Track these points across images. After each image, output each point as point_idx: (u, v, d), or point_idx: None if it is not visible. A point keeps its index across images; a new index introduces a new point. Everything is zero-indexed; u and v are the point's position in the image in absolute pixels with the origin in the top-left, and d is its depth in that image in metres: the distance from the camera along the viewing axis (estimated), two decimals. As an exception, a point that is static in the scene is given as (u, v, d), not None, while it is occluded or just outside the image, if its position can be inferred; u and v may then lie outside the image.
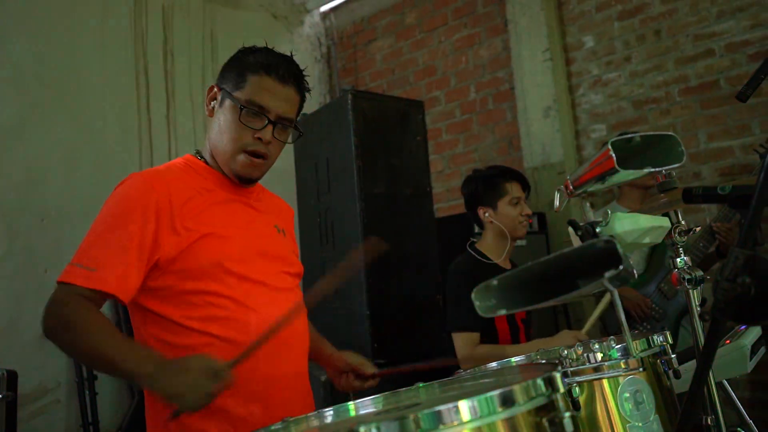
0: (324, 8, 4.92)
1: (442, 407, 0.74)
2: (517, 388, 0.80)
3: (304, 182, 3.11)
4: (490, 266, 2.37)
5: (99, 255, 1.27)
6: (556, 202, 1.31)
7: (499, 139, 4.08)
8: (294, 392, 1.41)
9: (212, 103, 1.47)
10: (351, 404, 1.12)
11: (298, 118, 1.49)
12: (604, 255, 0.87)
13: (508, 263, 2.46)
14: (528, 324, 2.39)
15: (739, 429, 1.50)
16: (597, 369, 1.20)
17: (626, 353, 1.20)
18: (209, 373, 1.16)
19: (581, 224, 1.15)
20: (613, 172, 1.14)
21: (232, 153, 1.41)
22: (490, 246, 2.43)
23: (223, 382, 1.17)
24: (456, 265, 2.40)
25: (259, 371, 1.33)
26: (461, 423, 0.75)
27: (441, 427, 0.74)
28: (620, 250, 0.86)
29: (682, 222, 1.23)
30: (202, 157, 1.50)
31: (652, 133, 1.23)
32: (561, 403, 0.85)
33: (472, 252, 2.42)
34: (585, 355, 1.19)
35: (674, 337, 2.55)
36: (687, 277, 1.19)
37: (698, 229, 1.26)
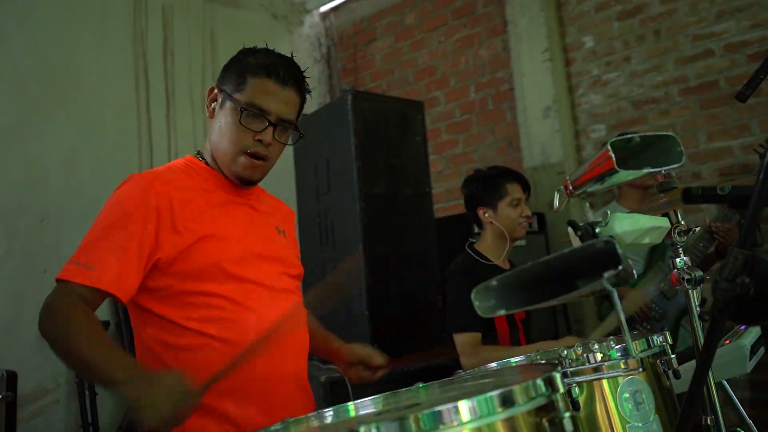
0: (324, 8, 4.92)
1: (442, 407, 0.74)
2: (516, 389, 0.80)
3: (304, 183, 3.11)
4: (489, 267, 2.37)
5: (98, 254, 1.27)
6: (556, 203, 1.31)
7: (498, 140, 4.09)
8: (293, 393, 1.41)
9: (212, 104, 1.47)
10: (351, 404, 1.12)
11: (298, 119, 1.49)
12: (604, 255, 0.87)
13: (507, 263, 2.46)
14: (527, 324, 2.39)
15: (738, 429, 1.50)
16: (597, 369, 1.20)
17: (626, 353, 1.20)
18: (178, 392, 1.13)
19: (581, 224, 1.15)
20: (612, 172, 1.14)
21: (233, 155, 1.41)
22: (489, 246, 2.43)
23: (190, 405, 1.14)
24: (455, 266, 2.41)
25: (259, 372, 1.33)
26: (461, 423, 0.75)
27: (441, 427, 0.74)
28: (619, 250, 0.86)
29: (682, 222, 1.23)
30: (202, 158, 1.50)
31: (651, 133, 1.23)
32: (561, 404, 0.85)
33: (470, 253, 2.42)
34: (585, 355, 1.19)
35: (674, 337, 2.55)
36: (687, 277, 1.20)
37: (698, 229, 1.26)
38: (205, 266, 1.33)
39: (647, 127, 3.47)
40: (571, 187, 1.26)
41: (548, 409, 0.83)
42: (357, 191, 2.67)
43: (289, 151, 3.03)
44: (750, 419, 1.56)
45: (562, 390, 0.87)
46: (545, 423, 0.81)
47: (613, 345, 1.23)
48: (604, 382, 1.19)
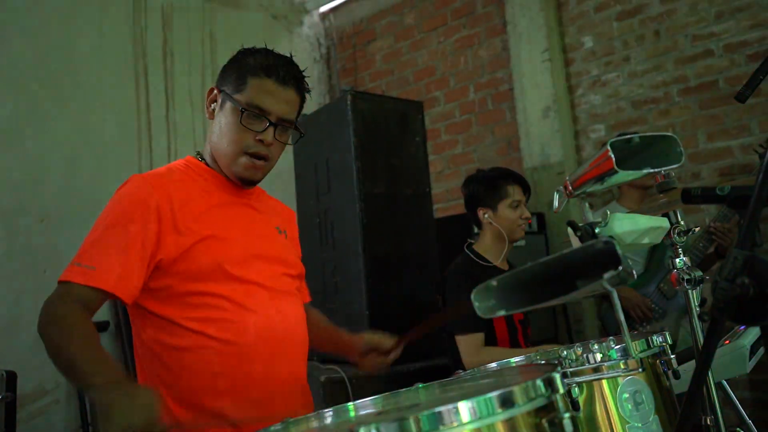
0: (323, 9, 4.92)
1: (441, 408, 0.74)
2: (516, 389, 0.80)
3: (304, 183, 3.11)
4: (488, 268, 2.37)
5: (99, 254, 1.27)
6: (556, 203, 1.31)
7: (498, 140, 4.09)
8: (293, 395, 1.41)
9: (212, 105, 1.47)
10: (351, 405, 1.12)
11: (298, 119, 1.49)
12: (604, 256, 0.87)
13: (505, 264, 2.46)
14: (526, 325, 2.39)
15: (738, 429, 1.50)
16: (596, 369, 1.20)
17: (625, 354, 1.20)
18: (148, 411, 1.08)
19: (580, 225, 1.16)
20: (612, 172, 1.14)
21: (234, 155, 1.41)
22: (487, 247, 2.43)
23: (154, 428, 1.08)
24: (455, 267, 2.41)
25: (258, 374, 1.33)
26: (461, 424, 0.75)
27: (441, 428, 0.74)
28: (619, 250, 0.86)
29: (682, 222, 1.23)
30: (203, 158, 1.50)
31: (651, 133, 1.24)
32: (560, 404, 0.85)
33: (469, 254, 2.42)
34: (584, 355, 1.20)
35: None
36: (686, 277, 1.20)
37: (697, 229, 1.26)
38: (205, 267, 1.33)
39: (647, 127, 3.47)
40: (570, 188, 1.26)
41: (548, 409, 0.83)
42: (357, 191, 2.67)
43: (289, 151, 3.03)
44: (750, 419, 1.57)
45: (561, 390, 0.87)
46: (545, 423, 0.81)
47: (612, 345, 1.23)
48: (604, 383, 1.19)
